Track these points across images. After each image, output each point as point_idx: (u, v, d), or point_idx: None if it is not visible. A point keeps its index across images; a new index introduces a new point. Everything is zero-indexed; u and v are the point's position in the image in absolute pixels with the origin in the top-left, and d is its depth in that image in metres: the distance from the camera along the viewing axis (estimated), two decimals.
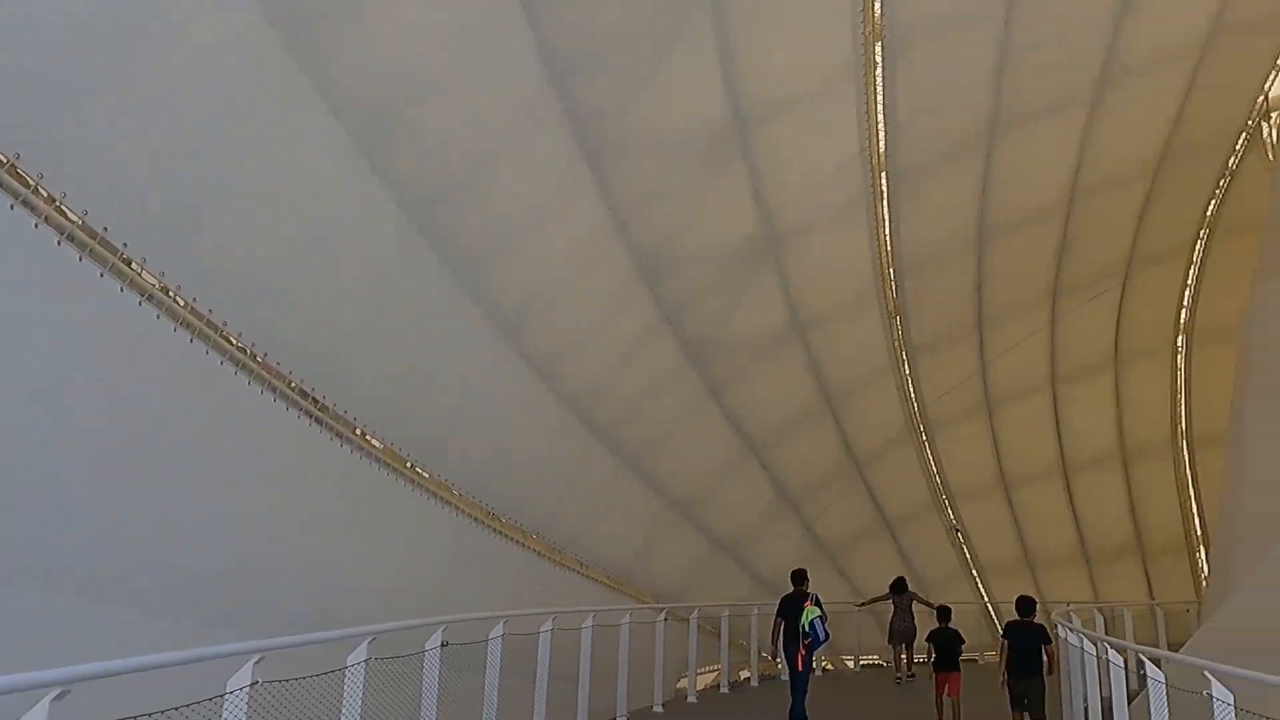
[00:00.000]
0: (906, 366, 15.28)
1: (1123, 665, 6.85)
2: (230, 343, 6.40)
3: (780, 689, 13.35)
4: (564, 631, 8.35)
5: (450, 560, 9.21)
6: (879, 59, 10.12)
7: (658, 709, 10.52)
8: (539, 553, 10.45)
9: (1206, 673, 4.63)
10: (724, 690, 12.36)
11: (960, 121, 11.73)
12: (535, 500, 10.37)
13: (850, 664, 15.98)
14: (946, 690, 9.51)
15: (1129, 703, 6.69)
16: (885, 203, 12.07)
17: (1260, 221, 16.47)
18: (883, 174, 11.64)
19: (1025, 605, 8.80)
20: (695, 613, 11.76)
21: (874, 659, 16.98)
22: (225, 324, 6.31)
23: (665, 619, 11.05)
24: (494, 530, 9.65)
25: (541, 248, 9.23)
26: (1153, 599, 18.32)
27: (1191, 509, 19.37)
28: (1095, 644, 7.61)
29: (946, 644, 9.72)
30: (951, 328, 15.35)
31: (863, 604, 15.01)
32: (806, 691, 9.14)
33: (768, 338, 12.97)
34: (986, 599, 17.81)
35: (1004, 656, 8.67)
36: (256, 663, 4.08)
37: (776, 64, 9.79)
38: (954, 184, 12.63)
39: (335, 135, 6.70)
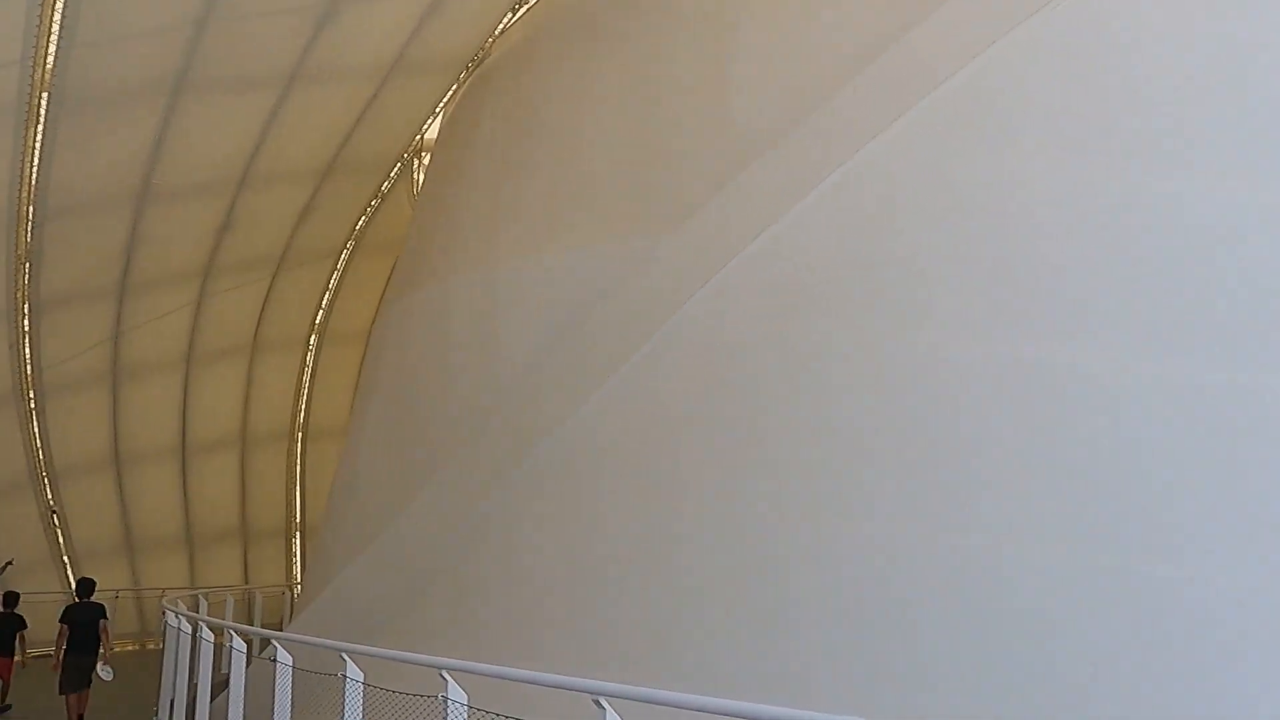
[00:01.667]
0: (27, 321, 13.37)
1: (244, 649, 6.96)
2: None
3: None
4: None
5: None
6: None
7: None
8: None
9: (343, 654, 4.97)
10: None
11: (147, 64, 10.73)
12: None
13: None
14: None
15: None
16: (41, 128, 10.40)
17: (396, 245, 18.81)
18: (45, 94, 10.03)
19: (86, 586, 9.69)
20: None
21: None
22: None
23: None
24: None
25: None
26: (248, 583, 19.13)
27: (296, 497, 20.86)
28: (215, 631, 7.58)
29: (8, 630, 9.86)
30: (90, 287, 13.88)
31: None
32: None
33: None
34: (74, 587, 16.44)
35: (62, 639, 9.01)
36: None
37: None
38: (125, 131, 11.49)
39: None
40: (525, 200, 10.89)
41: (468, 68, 14.39)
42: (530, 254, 9.93)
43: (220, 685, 7.60)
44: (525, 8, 13.50)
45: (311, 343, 20.01)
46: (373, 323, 17.14)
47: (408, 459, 10.44)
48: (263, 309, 17.88)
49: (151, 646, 10.77)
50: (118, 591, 15.58)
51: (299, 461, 20.93)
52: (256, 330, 18.24)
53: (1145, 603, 5.28)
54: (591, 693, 3.25)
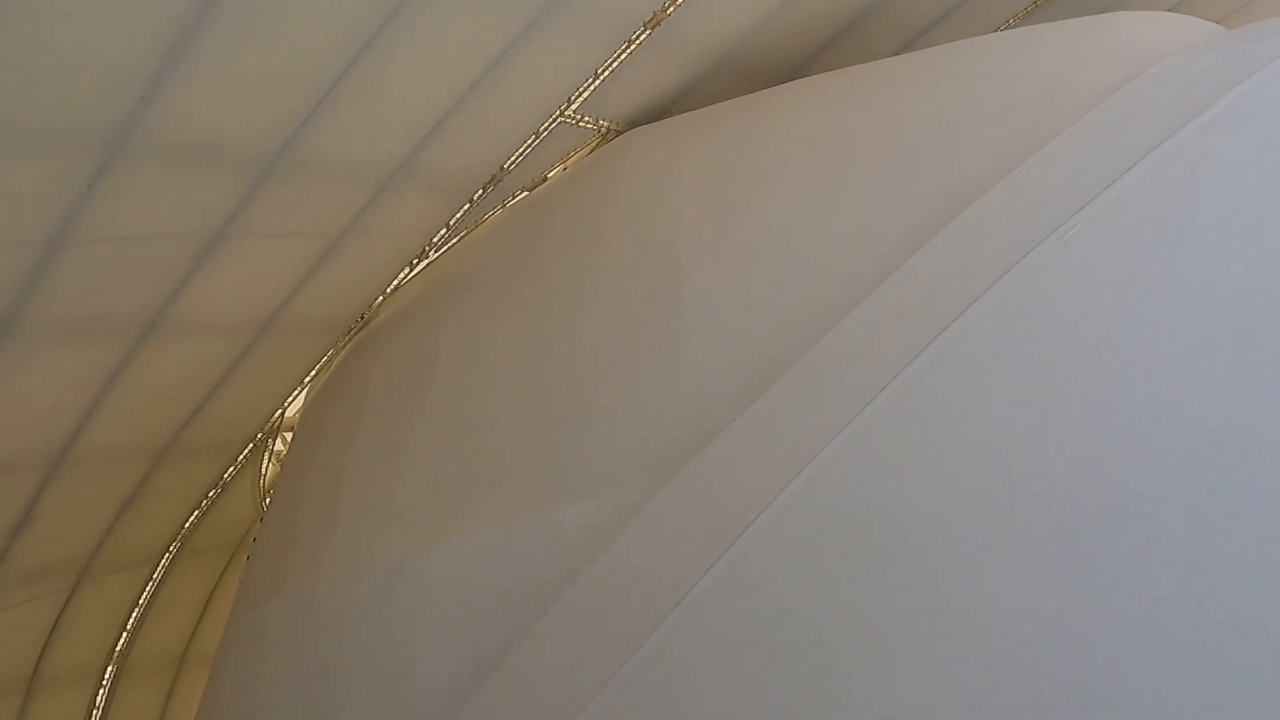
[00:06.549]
0: None
1: None
2: None
3: None
4: None
5: None
6: None
7: None
8: None
9: None
10: None
11: None
12: None
13: None
14: None
15: None
16: None
17: (226, 549, 16.84)
18: None
19: None
20: None
21: None
22: None
23: None
24: None
25: None
26: None
27: None
28: None
29: None
30: None
31: None
32: None
33: None
34: None
35: None
36: None
37: None
38: None
39: None
40: (431, 475, 9.65)
41: (349, 330, 13.54)
42: (448, 537, 8.56)
43: None
44: (424, 262, 12.97)
45: (107, 676, 17.07)
46: (219, 640, 14.85)
47: None
48: (51, 632, 15.31)
49: None
50: None
51: None
52: (40, 661, 15.52)
53: None
54: None
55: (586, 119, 11.70)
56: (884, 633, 5.64)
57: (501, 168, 11.70)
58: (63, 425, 11.48)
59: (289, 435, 15.18)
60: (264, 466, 15.78)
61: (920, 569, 5.77)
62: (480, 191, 11.97)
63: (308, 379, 14.22)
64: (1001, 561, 5.53)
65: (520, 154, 11.61)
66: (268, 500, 15.17)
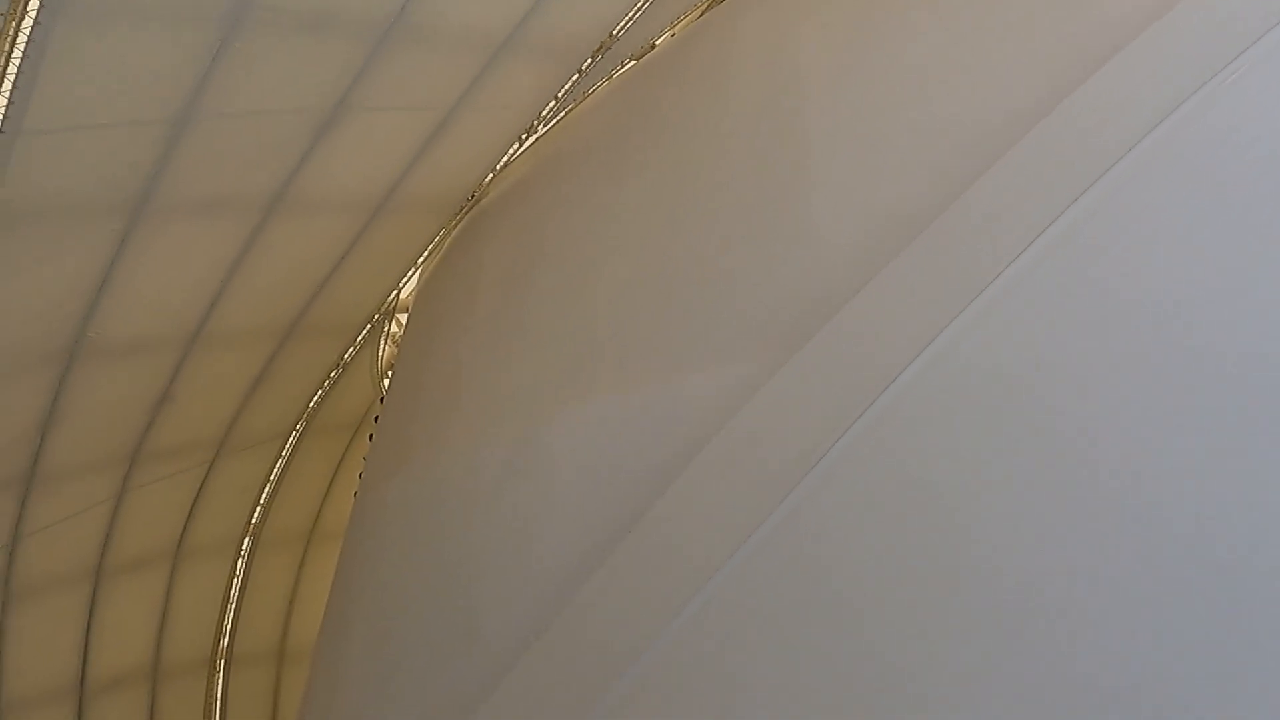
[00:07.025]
0: None
1: None
2: None
3: None
4: None
5: None
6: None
7: None
8: None
9: None
10: None
11: (104, 180, 9.69)
12: None
13: None
14: None
15: None
16: None
17: (348, 427, 17.42)
18: None
19: None
20: None
21: None
22: None
23: None
24: None
25: None
26: None
27: None
28: None
29: None
30: None
31: None
32: None
33: None
34: None
35: None
36: None
37: None
38: (60, 272, 10.34)
39: None
40: (552, 349, 9.75)
41: (460, 210, 13.64)
42: (572, 409, 8.67)
43: None
44: (533, 138, 12.92)
45: (244, 547, 18.12)
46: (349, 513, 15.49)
47: (412, 697, 8.65)
48: (192, 506, 16.20)
49: None
50: None
51: (220, 696, 18.58)
52: (183, 533, 16.47)
53: None
54: None
55: None
56: (1022, 499, 5.50)
57: (610, 34, 11.49)
58: (195, 305, 11.91)
59: (403, 318, 15.52)
60: (381, 347, 16.24)
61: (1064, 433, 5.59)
62: (589, 61, 11.80)
63: (420, 260, 14.43)
64: (1163, 420, 5.28)
65: (630, 18, 11.38)
66: (386, 380, 15.65)
